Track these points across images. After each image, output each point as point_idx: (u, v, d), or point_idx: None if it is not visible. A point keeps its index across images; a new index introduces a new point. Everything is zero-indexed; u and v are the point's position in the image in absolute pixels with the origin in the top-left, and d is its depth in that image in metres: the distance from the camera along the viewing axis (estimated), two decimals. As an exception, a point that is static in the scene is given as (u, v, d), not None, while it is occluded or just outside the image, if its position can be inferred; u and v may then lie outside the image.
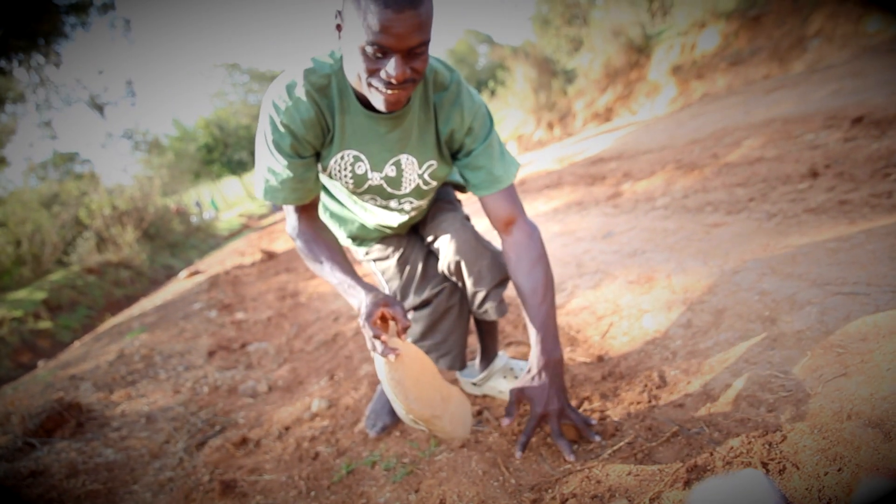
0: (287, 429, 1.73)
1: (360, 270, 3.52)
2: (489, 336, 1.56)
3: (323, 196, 1.43)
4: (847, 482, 0.89)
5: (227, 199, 30.68)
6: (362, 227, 1.43)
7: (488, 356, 1.58)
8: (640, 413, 1.30)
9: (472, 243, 1.30)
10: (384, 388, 1.10)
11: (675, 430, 1.18)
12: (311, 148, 1.13)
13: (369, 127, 1.13)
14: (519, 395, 1.24)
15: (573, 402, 1.42)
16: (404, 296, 1.42)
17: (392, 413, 1.56)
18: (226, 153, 26.10)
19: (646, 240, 2.57)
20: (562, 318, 2.02)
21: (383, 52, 0.92)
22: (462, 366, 1.49)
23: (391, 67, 0.93)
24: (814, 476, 0.93)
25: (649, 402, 1.33)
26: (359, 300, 1.12)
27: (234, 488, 1.43)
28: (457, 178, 1.51)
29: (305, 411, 1.81)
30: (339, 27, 0.98)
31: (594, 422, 1.26)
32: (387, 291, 1.45)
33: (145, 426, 2.00)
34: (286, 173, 1.12)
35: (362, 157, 1.16)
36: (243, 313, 3.61)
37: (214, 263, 7.90)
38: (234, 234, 15.19)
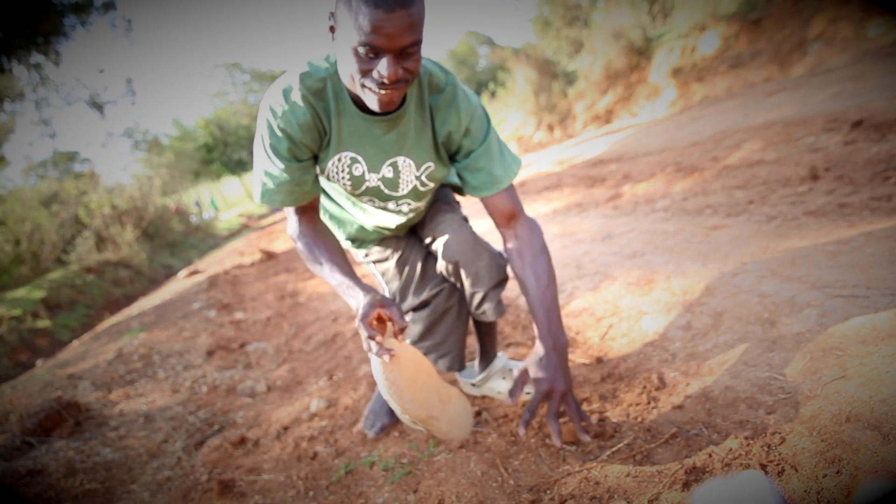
0: (286, 429, 1.73)
1: (359, 272, 3.52)
2: (488, 337, 1.56)
3: (322, 198, 1.43)
4: (846, 484, 0.89)
5: (226, 199, 30.68)
6: (361, 228, 1.43)
7: (487, 357, 1.58)
8: (639, 414, 1.30)
9: (470, 244, 1.30)
10: (380, 388, 1.10)
11: (673, 431, 1.18)
12: (308, 151, 1.14)
13: (365, 129, 1.13)
14: (524, 376, 1.23)
15: (572, 404, 1.42)
16: (403, 297, 1.42)
17: (391, 413, 1.56)
18: (225, 153, 26.10)
19: (645, 242, 2.58)
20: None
21: (375, 52, 0.92)
22: (461, 367, 1.49)
23: (383, 67, 0.93)
24: (812, 478, 0.93)
25: (648, 403, 1.33)
26: (356, 301, 1.12)
27: (232, 488, 1.42)
28: (455, 179, 1.51)
29: (304, 411, 1.81)
30: (332, 28, 0.99)
31: (592, 420, 1.25)
32: (386, 293, 1.46)
33: (143, 425, 2.00)
34: (283, 177, 1.13)
35: (359, 158, 1.17)
36: (242, 313, 3.61)
37: (214, 263, 7.90)
38: (234, 234, 15.19)
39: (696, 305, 1.73)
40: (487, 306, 1.36)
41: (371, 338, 1.04)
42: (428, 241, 1.41)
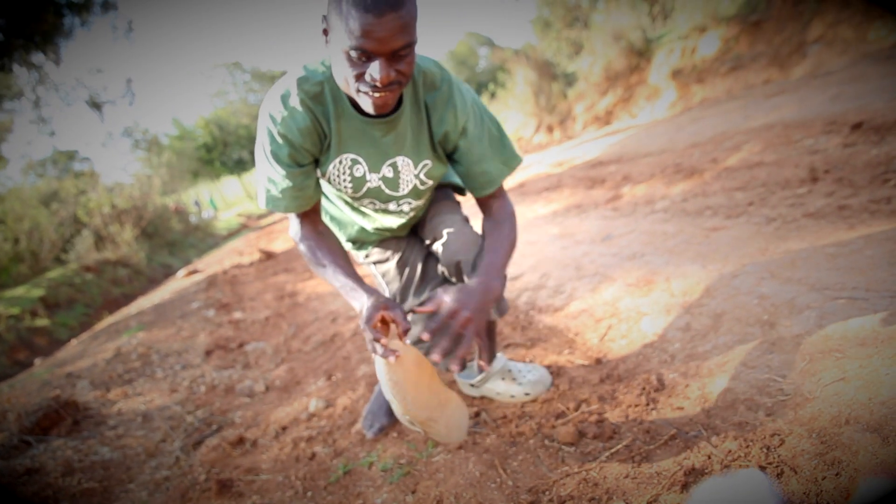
0: (284, 429, 1.72)
1: (359, 272, 3.51)
2: (488, 337, 1.55)
3: (323, 201, 1.43)
4: (845, 486, 0.89)
5: (225, 199, 30.64)
6: (362, 230, 1.43)
7: (486, 358, 1.58)
8: (638, 416, 1.30)
9: (472, 244, 1.30)
10: (383, 389, 1.10)
11: (672, 433, 1.18)
12: (309, 156, 1.14)
13: (364, 131, 1.13)
14: (439, 297, 1.12)
15: (570, 404, 1.42)
16: (404, 297, 1.42)
17: (389, 414, 1.56)
18: (225, 153, 26.08)
19: (645, 243, 2.57)
20: (560, 321, 2.01)
21: (367, 56, 0.92)
22: (461, 367, 1.49)
23: (375, 71, 0.93)
24: (812, 480, 0.93)
25: (647, 404, 1.33)
26: (360, 303, 1.12)
27: (230, 488, 1.42)
28: (455, 179, 1.51)
29: (303, 411, 1.81)
30: (325, 32, 0.99)
31: (475, 360, 1.14)
32: (387, 294, 1.46)
33: (142, 425, 2.00)
34: (286, 183, 1.14)
35: (360, 159, 1.17)
36: (241, 313, 3.61)
37: (213, 263, 7.89)
38: (233, 234, 15.17)
39: (695, 307, 1.73)
40: None
41: (376, 339, 1.04)
42: (429, 241, 1.41)
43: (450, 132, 1.18)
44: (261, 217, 19.88)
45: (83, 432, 1.96)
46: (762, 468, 0.99)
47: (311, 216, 1.25)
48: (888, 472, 0.84)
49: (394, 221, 1.35)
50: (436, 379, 1.20)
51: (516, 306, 2.28)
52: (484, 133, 1.21)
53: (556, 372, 1.61)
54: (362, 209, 1.33)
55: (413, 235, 1.49)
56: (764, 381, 1.24)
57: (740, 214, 2.54)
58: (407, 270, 1.42)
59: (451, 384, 1.68)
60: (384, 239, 1.45)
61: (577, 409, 1.40)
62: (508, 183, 6.11)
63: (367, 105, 1.00)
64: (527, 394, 1.48)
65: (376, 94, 0.97)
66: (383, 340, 1.04)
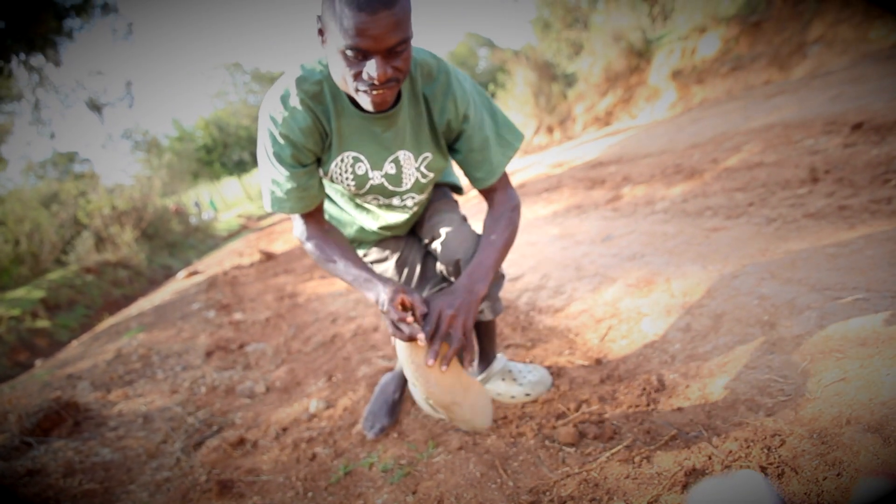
0: (285, 430, 1.72)
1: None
2: (487, 338, 1.55)
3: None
4: (846, 487, 0.89)
5: (225, 200, 30.66)
6: (361, 230, 1.43)
7: (487, 358, 1.58)
8: (638, 416, 1.30)
9: (470, 243, 1.30)
10: (406, 373, 1.11)
11: (673, 433, 1.18)
12: (311, 155, 1.14)
13: (365, 128, 1.13)
14: (426, 304, 1.12)
15: (571, 405, 1.42)
16: (415, 290, 1.42)
17: (390, 414, 1.56)
18: (225, 154, 26.09)
19: (645, 244, 2.58)
20: (560, 322, 2.02)
21: (363, 54, 0.92)
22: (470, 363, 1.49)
23: (371, 69, 0.93)
24: (812, 481, 0.93)
25: (648, 405, 1.33)
26: (376, 292, 1.13)
27: (231, 488, 1.42)
28: (452, 179, 1.51)
29: (303, 412, 1.81)
30: (320, 32, 0.99)
31: (472, 358, 1.17)
32: None
33: (142, 426, 2.00)
34: (289, 183, 1.14)
35: (362, 157, 1.17)
36: (241, 314, 3.61)
37: (213, 264, 7.89)
38: (233, 235, 15.18)
39: (695, 307, 1.73)
40: (485, 304, 1.36)
41: (401, 319, 1.06)
42: (427, 240, 1.41)
43: (452, 121, 1.18)
44: (261, 218, 19.89)
45: (84, 433, 1.96)
46: (763, 469, 0.99)
47: (315, 215, 1.25)
48: (886, 472, 0.84)
49: (398, 217, 1.35)
50: (457, 364, 1.20)
51: (516, 307, 2.28)
52: (484, 120, 1.22)
53: (556, 372, 1.61)
54: (366, 206, 1.33)
55: (411, 235, 1.49)
56: (764, 381, 1.24)
57: (740, 215, 2.54)
58: (406, 270, 1.42)
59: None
60: (383, 239, 1.45)
61: (577, 410, 1.40)
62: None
63: (366, 103, 1.00)
64: (527, 394, 1.48)
65: (374, 92, 0.97)
66: (409, 319, 1.06)
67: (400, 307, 1.09)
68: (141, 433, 1.93)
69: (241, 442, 1.68)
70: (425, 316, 1.11)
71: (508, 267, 2.80)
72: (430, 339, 1.10)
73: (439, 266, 1.37)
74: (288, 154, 1.11)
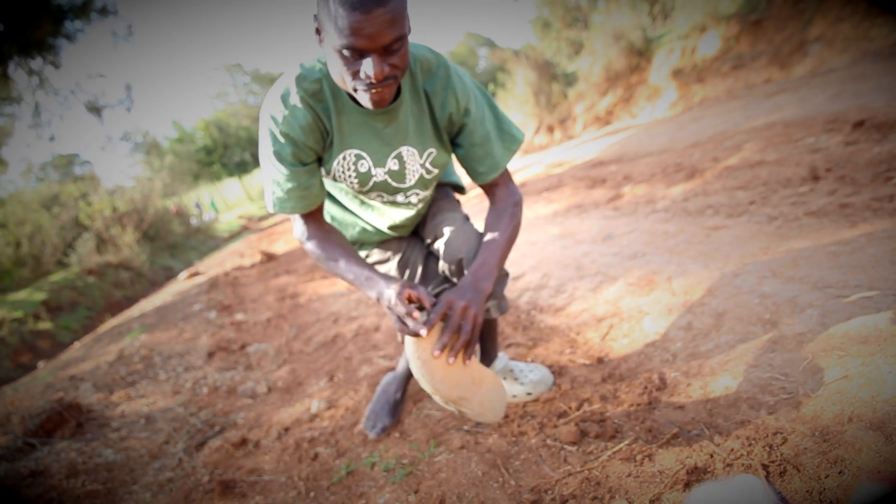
0: (286, 430, 1.73)
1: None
2: (489, 337, 1.55)
3: (325, 201, 1.43)
4: (848, 485, 0.89)
5: (226, 201, 30.67)
6: (363, 230, 1.43)
7: (488, 357, 1.58)
8: (640, 415, 1.30)
9: (473, 242, 1.30)
10: (412, 369, 1.11)
11: (675, 431, 1.18)
12: (312, 154, 1.14)
13: (366, 124, 1.13)
14: (444, 306, 1.11)
15: (572, 404, 1.42)
16: (422, 286, 1.42)
17: (391, 414, 1.56)
18: (225, 155, 26.11)
19: (646, 242, 2.57)
20: (561, 321, 2.02)
21: (359, 53, 0.92)
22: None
23: (368, 67, 0.93)
24: (814, 478, 0.93)
25: (649, 403, 1.33)
26: (378, 290, 1.13)
27: (233, 489, 1.42)
28: (454, 178, 1.51)
29: (305, 412, 1.81)
30: (318, 31, 0.99)
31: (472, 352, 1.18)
32: None
33: (145, 427, 2.00)
34: (290, 183, 1.14)
35: (364, 154, 1.17)
36: (243, 314, 3.61)
37: (214, 265, 7.90)
38: (234, 236, 15.19)
39: (697, 306, 1.73)
40: (490, 303, 1.36)
41: (409, 314, 1.06)
42: (429, 240, 1.41)
43: (453, 114, 1.18)
44: (262, 219, 19.91)
45: (87, 434, 1.96)
46: (765, 467, 0.99)
47: (315, 215, 1.25)
48: (885, 477, 0.84)
49: (402, 214, 1.35)
50: (465, 357, 1.20)
51: (518, 306, 2.29)
52: (485, 114, 1.22)
53: (557, 371, 1.61)
54: (371, 203, 1.33)
55: (413, 236, 1.49)
56: (766, 379, 1.24)
57: (742, 213, 2.54)
58: (407, 272, 1.43)
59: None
60: (385, 240, 1.45)
61: (579, 409, 1.40)
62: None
63: (365, 101, 1.00)
64: (529, 393, 1.48)
65: (373, 91, 0.97)
66: (416, 314, 1.06)
67: (407, 301, 1.08)
68: (143, 434, 1.93)
69: (244, 442, 1.69)
70: (434, 307, 1.11)
71: (509, 266, 2.80)
72: (443, 330, 1.09)
73: (441, 266, 1.37)
74: (289, 153, 1.11)
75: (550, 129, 12.49)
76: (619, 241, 2.76)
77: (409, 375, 1.63)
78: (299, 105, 1.07)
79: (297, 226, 1.25)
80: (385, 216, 1.36)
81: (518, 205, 1.29)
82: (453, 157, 1.32)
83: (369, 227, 1.41)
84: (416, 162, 1.22)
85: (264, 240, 9.91)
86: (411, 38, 1.03)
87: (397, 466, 1.35)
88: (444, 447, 1.37)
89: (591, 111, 11.59)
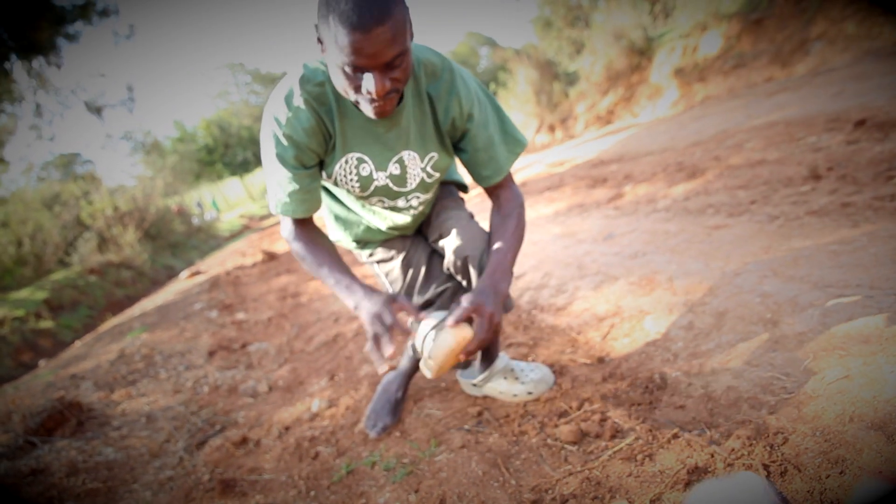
0: (287, 429, 1.73)
1: (363, 271, 3.52)
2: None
3: (328, 200, 1.43)
4: (849, 485, 0.88)
5: (228, 200, 30.70)
6: (368, 229, 1.43)
7: (489, 357, 1.57)
8: (640, 414, 1.29)
9: (479, 240, 1.30)
10: (423, 360, 1.13)
11: (675, 431, 1.18)
12: (314, 157, 1.14)
13: (368, 129, 1.13)
14: (469, 309, 1.12)
15: (573, 403, 1.41)
16: (408, 297, 1.42)
17: (392, 413, 1.56)
18: (227, 154, 26.13)
19: (647, 242, 2.57)
20: (563, 320, 2.01)
21: (360, 69, 0.92)
22: (465, 366, 1.49)
23: (369, 84, 0.93)
24: (815, 478, 0.92)
25: (650, 403, 1.33)
26: (356, 300, 1.13)
27: (233, 487, 1.42)
28: (457, 177, 1.51)
29: (305, 411, 1.81)
30: (319, 40, 0.98)
31: (477, 360, 1.25)
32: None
33: (146, 425, 2.00)
34: (292, 185, 1.14)
35: (366, 158, 1.17)
36: (244, 314, 3.61)
37: (215, 264, 7.90)
38: (235, 235, 15.20)
39: (698, 305, 1.72)
40: None
41: (393, 326, 1.06)
42: (434, 238, 1.41)
43: (456, 119, 1.17)
44: (263, 218, 19.92)
45: (87, 433, 1.96)
46: (766, 467, 0.99)
47: (306, 219, 1.26)
48: (886, 475, 0.84)
49: (403, 218, 1.35)
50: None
51: (518, 305, 2.28)
52: (489, 119, 1.21)
53: (558, 371, 1.61)
54: (371, 207, 1.33)
55: (418, 234, 1.49)
56: (767, 379, 1.24)
57: (743, 213, 2.53)
58: (411, 271, 1.42)
59: (454, 384, 1.68)
60: (389, 238, 1.45)
61: (579, 408, 1.39)
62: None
63: (368, 112, 1.00)
64: (529, 393, 1.48)
65: (375, 104, 0.97)
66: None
67: (397, 313, 1.10)
68: (144, 432, 1.94)
69: (244, 441, 1.69)
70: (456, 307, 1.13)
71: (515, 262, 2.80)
72: (475, 337, 1.12)
73: (446, 264, 1.37)
74: (291, 155, 1.11)
75: (552, 129, 12.49)
76: (621, 240, 2.76)
77: (409, 375, 1.63)
78: (303, 107, 1.07)
79: (286, 225, 1.25)
80: (386, 219, 1.36)
81: (523, 206, 1.30)
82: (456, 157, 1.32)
83: (373, 227, 1.41)
84: (417, 166, 1.22)
85: (265, 239, 9.92)
86: (413, 40, 1.03)
87: (398, 466, 1.35)
88: (445, 446, 1.36)
89: (593, 110, 11.58)
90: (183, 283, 6.52)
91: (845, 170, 2.62)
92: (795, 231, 2.07)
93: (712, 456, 1.07)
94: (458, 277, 1.38)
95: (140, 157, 24.69)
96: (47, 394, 2.51)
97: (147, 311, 4.90)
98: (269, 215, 19.49)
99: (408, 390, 1.66)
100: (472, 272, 1.32)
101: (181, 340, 3.23)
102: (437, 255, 1.44)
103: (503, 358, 1.57)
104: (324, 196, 1.43)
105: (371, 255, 1.47)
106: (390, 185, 1.23)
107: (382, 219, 1.36)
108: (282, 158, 1.11)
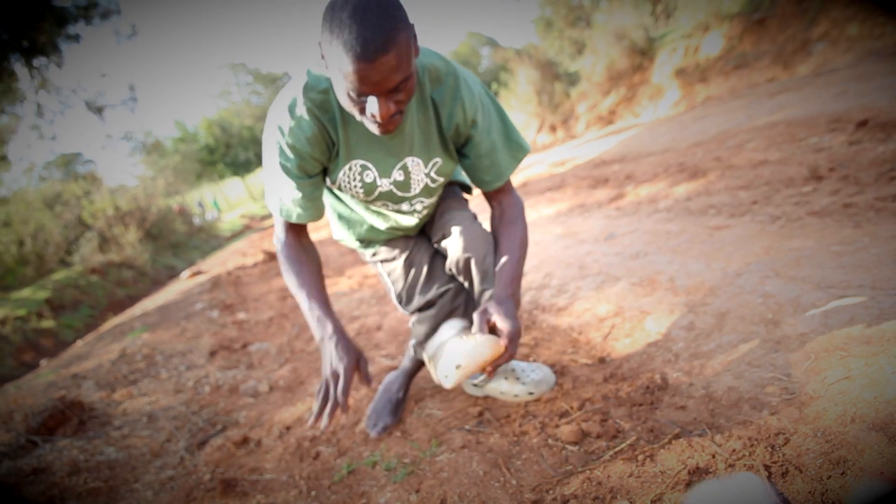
0: (288, 428, 1.73)
1: (365, 271, 3.52)
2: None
3: (332, 199, 1.43)
4: (850, 486, 0.88)
5: (229, 200, 30.73)
6: (371, 229, 1.43)
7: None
8: (641, 415, 1.29)
9: (481, 241, 1.30)
10: (448, 370, 1.15)
11: (676, 431, 1.18)
12: (318, 165, 1.15)
13: (371, 136, 1.13)
14: (486, 315, 1.15)
15: (574, 404, 1.41)
16: (410, 297, 1.43)
17: (393, 413, 1.56)
18: (228, 154, 26.16)
19: (648, 242, 2.57)
20: (563, 320, 2.01)
21: (365, 94, 0.92)
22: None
23: (373, 108, 0.93)
24: (816, 479, 0.92)
25: (651, 403, 1.33)
26: (322, 335, 1.17)
27: (234, 487, 1.43)
28: (462, 177, 1.51)
29: (306, 411, 1.81)
30: (323, 57, 0.98)
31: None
32: (392, 293, 1.46)
33: (147, 425, 2.00)
34: (296, 194, 1.15)
35: (369, 165, 1.17)
36: (245, 313, 3.62)
37: (216, 264, 7.91)
38: (236, 235, 15.21)
39: (699, 306, 1.72)
40: None
41: (347, 391, 1.10)
42: (437, 238, 1.41)
43: (460, 125, 1.17)
44: (264, 218, 19.94)
45: (89, 432, 1.97)
46: (767, 467, 0.99)
47: (302, 229, 1.27)
48: (887, 476, 0.84)
49: (408, 220, 1.35)
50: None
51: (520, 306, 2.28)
52: (493, 124, 1.21)
53: (559, 371, 1.61)
54: (376, 209, 1.34)
55: (421, 235, 1.49)
56: (768, 379, 1.24)
57: (744, 213, 2.53)
58: (413, 271, 1.42)
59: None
60: (392, 238, 1.45)
61: (580, 409, 1.39)
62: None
63: (373, 130, 1.00)
64: (530, 393, 1.48)
65: (379, 125, 0.98)
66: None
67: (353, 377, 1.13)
68: (145, 432, 1.94)
69: (245, 441, 1.69)
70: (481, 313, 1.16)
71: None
72: (504, 353, 1.13)
73: (448, 265, 1.37)
74: (294, 165, 1.12)
75: (553, 129, 12.49)
76: (622, 240, 2.76)
77: (411, 374, 1.63)
78: (305, 116, 1.07)
79: (278, 231, 1.26)
80: (389, 221, 1.36)
81: (523, 210, 1.32)
82: None
83: (376, 226, 1.42)
84: (420, 172, 1.22)
85: (266, 239, 9.92)
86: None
87: (399, 465, 1.35)
88: (446, 446, 1.36)
89: (594, 111, 11.58)
90: (184, 282, 6.53)
91: (847, 170, 2.61)
92: (797, 231, 2.07)
93: (713, 456, 1.07)
94: (461, 278, 1.38)
95: (141, 157, 24.72)
96: (49, 393, 2.51)
97: (148, 311, 4.91)
98: (270, 216, 19.50)
99: (409, 390, 1.66)
100: (475, 273, 1.32)
101: (182, 340, 3.23)
102: (440, 255, 1.44)
103: (504, 358, 1.57)
104: (327, 194, 1.43)
105: (374, 254, 1.47)
106: (394, 190, 1.23)
107: (386, 221, 1.37)
108: (286, 169, 1.12)
